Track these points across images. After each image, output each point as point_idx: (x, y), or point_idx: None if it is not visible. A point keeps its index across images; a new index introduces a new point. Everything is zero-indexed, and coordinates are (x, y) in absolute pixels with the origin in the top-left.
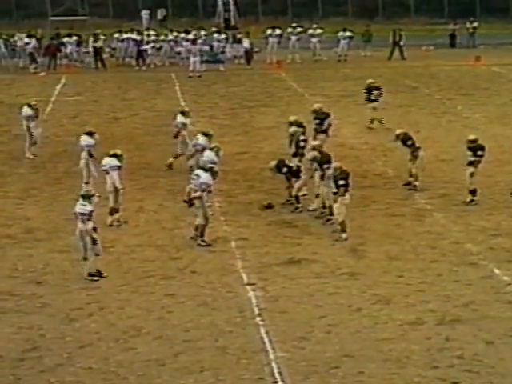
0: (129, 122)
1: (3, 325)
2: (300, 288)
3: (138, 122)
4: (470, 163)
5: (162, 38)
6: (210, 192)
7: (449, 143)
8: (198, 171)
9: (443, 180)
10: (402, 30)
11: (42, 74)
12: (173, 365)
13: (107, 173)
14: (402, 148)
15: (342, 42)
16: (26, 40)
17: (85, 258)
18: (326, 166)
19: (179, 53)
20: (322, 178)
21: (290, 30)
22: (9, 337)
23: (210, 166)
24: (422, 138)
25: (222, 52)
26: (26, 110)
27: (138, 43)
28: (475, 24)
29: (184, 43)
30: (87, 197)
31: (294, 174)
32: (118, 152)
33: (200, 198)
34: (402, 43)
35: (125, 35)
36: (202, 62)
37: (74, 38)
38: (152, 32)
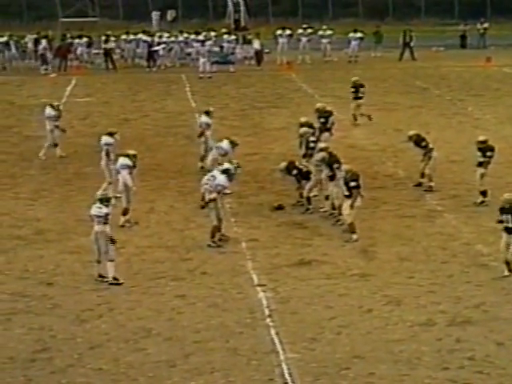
0: (139, 124)
1: (14, 326)
2: (310, 289)
3: (148, 124)
4: (480, 164)
5: (172, 39)
6: (225, 194)
7: (459, 144)
8: (215, 172)
9: (454, 181)
10: (413, 31)
11: (53, 75)
12: (183, 366)
13: (118, 172)
14: (414, 149)
15: (353, 42)
16: (27, 39)
17: (98, 261)
18: (335, 165)
19: (189, 54)
20: (332, 178)
21: (300, 31)
22: (20, 338)
23: (227, 167)
24: (432, 139)
25: (232, 53)
26: (49, 111)
27: (149, 44)
28: (486, 25)
29: (194, 44)
30: (104, 200)
31: (304, 175)
32: (131, 152)
33: (215, 199)
34: (412, 44)
35: (132, 36)
36: (212, 63)
37: (85, 39)
38: (166, 34)
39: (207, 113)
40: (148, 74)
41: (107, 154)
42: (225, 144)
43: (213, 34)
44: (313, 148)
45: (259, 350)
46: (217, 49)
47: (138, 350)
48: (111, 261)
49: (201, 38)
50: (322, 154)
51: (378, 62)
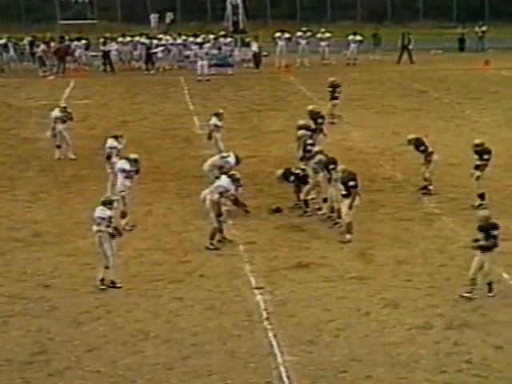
0: (137, 126)
1: (11, 328)
2: (308, 292)
3: (146, 126)
4: (477, 167)
5: (171, 41)
6: (227, 198)
7: (457, 147)
8: (221, 175)
9: (452, 184)
10: (411, 34)
11: (51, 77)
12: (181, 368)
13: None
14: (412, 152)
15: (352, 45)
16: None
17: (106, 267)
18: (331, 166)
19: (188, 56)
20: (330, 180)
21: (299, 33)
22: (17, 340)
23: (232, 173)
24: (430, 142)
25: (230, 55)
26: (55, 112)
27: (148, 47)
28: (484, 28)
29: (193, 47)
30: (107, 202)
31: (302, 180)
32: (132, 156)
33: (218, 201)
34: (410, 47)
35: (129, 38)
36: (210, 65)
37: (83, 41)
38: (167, 37)
39: (217, 114)
40: (146, 77)
41: (108, 157)
42: (231, 158)
43: (211, 36)
44: (310, 151)
45: (257, 352)
46: (215, 51)
47: (136, 353)
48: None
49: (199, 40)
50: (319, 156)
51: (376, 64)
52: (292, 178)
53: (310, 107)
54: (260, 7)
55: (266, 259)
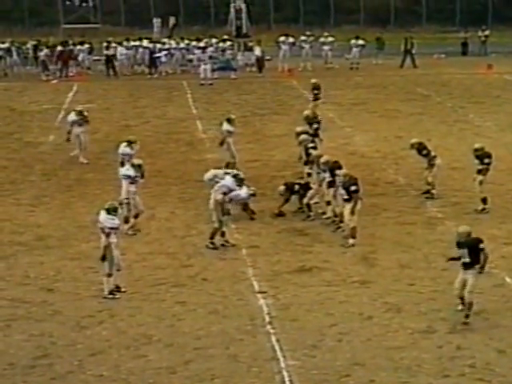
0: (140, 130)
1: (14, 332)
2: (311, 296)
3: (149, 130)
4: (479, 171)
5: (174, 45)
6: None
7: (460, 151)
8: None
9: (455, 188)
10: (414, 38)
11: (54, 81)
12: (184, 372)
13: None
14: (415, 156)
15: (354, 49)
16: (29, 46)
17: (109, 275)
18: (337, 171)
19: (191, 60)
20: (331, 184)
21: (303, 37)
22: (20, 344)
23: (237, 173)
24: (433, 146)
25: (233, 59)
26: (71, 116)
27: (151, 51)
28: (487, 32)
29: (195, 51)
30: (113, 210)
31: (305, 187)
32: (135, 162)
33: (222, 201)
34: (413, 51)
35: (132, 43)
36: (213, 69)
37: (86, 45)
38: (172, 41)
39: (229, 120)
40: (149, 81)
41: (122, 164)
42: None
43: (214, 40)
44: (310, 154)
45: (260, 356)
46: (218, 55)
47: (139, 357)
48: (118, 270)
49: (202, 44)
50: (326, 157)
51: (379, 69)
52: (296, 187)
53: (306, 112)
54: (263, 11)
55: (268, 263)
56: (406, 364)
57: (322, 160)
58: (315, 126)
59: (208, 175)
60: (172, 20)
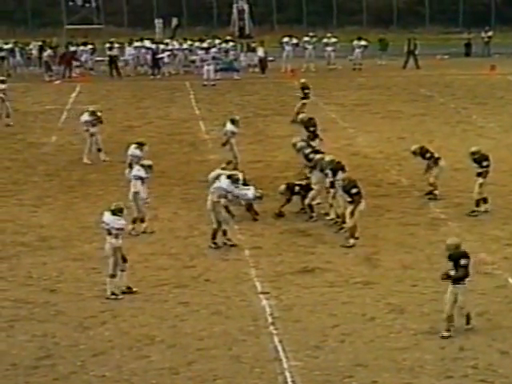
0: (143, 131)
1: (17, 332)
2: (314, 297)
3: (152, 131)
4: (478, 174)
5: (177, 46)
6: (230, 201)
7: (463, 152)
8: (222, 176)
9: (457, 189)
10: (417, 39)
11: (57, 82)
12: (186, 373)
13: (130, 181)
14: (420, 158)
15: (357, 50)
16: (31, 46)
17: (113, 276)
18: (339, 172)
19: (193, 61)
20: (332, 185)
21: (306, 38)
22: (22, 344)
23: (232, 173)
24: (436, 147)
25: (235, 59)
26: (84, 116)
27: (153, 52)
28: (490, 33)
29: (198, 52)
30: (118, 210)
31: (306, 188)
32: (146, 163)
33: (218, 202)
34: (416, 52)
35: (136, 44)
36: (216, 70)
37: (89, 46)
38: (174, 42)
39: (232, 121)
40: (152, 82)
41: (130, 165)
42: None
43: (217, 41)
44: (312, 159)
45: (262, 357)
46: (221, 56)
47: (141, 358)
48: (123, 270)
49: (205, 45)
50: (331, 157)
51: (382, 69)
52: (297, 188)
53: (301, 116)
54: (266, 12)
55: (271, 264)
56: (408, 365)
57: (327, 159)
58: (311, 128)
59: (213, 174)
60: (174, 21)
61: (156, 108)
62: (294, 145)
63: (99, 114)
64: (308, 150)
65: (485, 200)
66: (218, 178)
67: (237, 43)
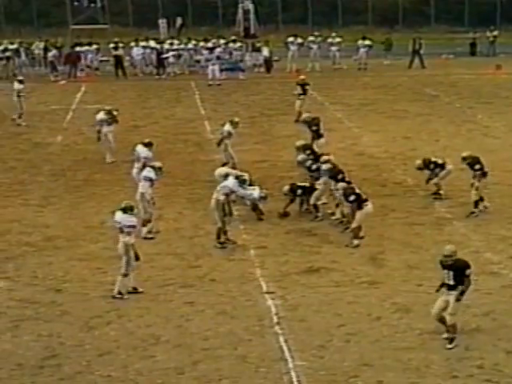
0: (148, 131)
1: (23, 332)
2: (319, 297)
3: (157, 131)
4: (474, 177)
5: (182, 46)
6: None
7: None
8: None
9: (463, 189)
10: (422, 39)
11: (63, 82)
12: (192, 373)
13: (139, 180)
14: (425, 156)
15: (362, 50)
16: (34, 47)
17: (125, 275)
18: (339, 176)
19: (198, 61)
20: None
21: (311, 38)
22: (28, 344)
23: (240, 174)
24: (441, 147)
25: (241, 60)
26: (100, 115)
27: (159, 52)
28: (495, 32)
29: (203, 51)
30: (129, 208)
31: (309, 191)
32: (157, 164)
33: (223, 202)
34: (421, 52)
35: (142, 43)
36: (221, 70)
37: (94, 46)
38: (176, 41)
39: (232, 122)
40: (157, 82)
41: (144, 166)
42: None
43: (222, 41)
44: (316, 169)
45: (268, 357)
46: (226, 56)
47: (147, 357)
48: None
49: (210, 45)
50: (328, 165)
51: (387, 69)
52: (299, 191)
53: (304, 116)
54: (271, 12)
55: (277, 264)
56: (414, 365)
57: (324, 167)
58: (314, 127)
59: (221, 172)
60: (179, 20)
61: (161, 108)
62: (298, 148)
63: (115, 113)
64: (309, 163)
65: (481, 199)
66: (226, 176)
67: (243, 43)
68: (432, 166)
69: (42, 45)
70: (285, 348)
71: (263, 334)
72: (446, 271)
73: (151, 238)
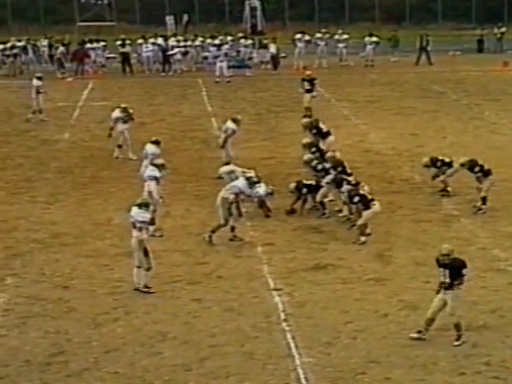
0: (155, 127)
1: (30, 329)
2: (326, 293)
3: (164, 127)
4: (477, 180)
5: (189, 43)
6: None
7: (476, 149)
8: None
9: (470, 186)
10: (429, 36)
11: (70, 79)
12: (199, 370)
13: (145, 180)
14: (432, 153)
15: (368, 46)
16: (38, 44)
17: (139, 267)
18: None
19: (206, 58)
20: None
21: (318, 35)
22: (35, 341)
23: (250, 175)
24: (448, 144)
25: (250, 58)
26: (116, 113)
27: (163, 48)
28: (503, 29)
29: (210, 48)
30: (144, 205)
31: (315, 189)
32: (159, 162)
33: (232, 201)
34: (428, 48)
35: (152, 40)
36: (229, 67)
37: (101, 43)
38: (180, 38)
39: (234, 120)
40: (164, 78)
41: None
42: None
43: (229, 38)
44: (322, 170)
45: (275, 354)
46: (233, 53)
47: (154, 354)
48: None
49: (217, 42)
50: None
51: (394, 66)
52: (305, 190)
53: (302, 121)
54: (278, 9)
55: (284, 261)
56: (421, 362)
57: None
58: (314, 131)
59: (226, 169)
60: (185, 17)
61: (168, 105)
62: (304, 145)
63: (131, 110)
64: (315, 162)
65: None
66: (230, 172)
67: (254, 40)
68: (439, 163)
69: (45, 42)
70: (292, 345)
71: (270, 331)
72: (441, 269)
73: (160, 236)
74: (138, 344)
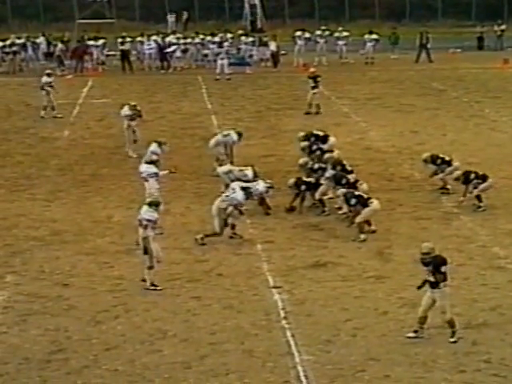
0: (155, 125)
1: (30, 326)
2: (326, 291)
3: (164, 125)
4: (475, 188)
5: (189, 40)
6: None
7: (476, 146)
8: (235, 185)
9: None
10: (429, 33)
11: (69, 76)
12: (198, 367)
13: (146, 180)
14: (432, 150)
15: (368, 44)
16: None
17: (150, 267)
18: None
19: (206, 55)
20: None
21: (318, 32)
22: (35, 339)
23: (246, 186)
24: (449, 141)
25: (250, 56)
26: (125, 110)
27: (161, 46)
28: (503, 26)
29: (211, 46)
30: (155, 204)
31: (314, 187)
32: (154, 158)
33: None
34: (429, 46)
35: (153, 37)
36: (229, 64)
37: (101, 40)
38: (180, 35)
39: (239, 134)
40: (164, 76)
41: (151, 163)
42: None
43: (229, 35)
44: (319, 169)
45: (274, 352)
46: (234, 50)
47: (154, 352)
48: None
49: (217, 39)
50: (330, 172)
51: (394, 63)
52: (303, 187)
53: (298, 136)
54: (278, 6)
55: (283, 258)
56: (421, 359)
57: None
58: (312, 138)
59: (223, 169)
60: (185, 14)
61: (168, 102)
62: (303, 148)
63: (139, 108)
64: (310, 164)
65: (479, 198)
66: (228, 172)
67: (254, 38)
68: (439, 161)
69: (42, 39)
70: (291, 342)
71: (270, 329)
72: (425, 268)
73: (160, 234)
74: (138, 341)
